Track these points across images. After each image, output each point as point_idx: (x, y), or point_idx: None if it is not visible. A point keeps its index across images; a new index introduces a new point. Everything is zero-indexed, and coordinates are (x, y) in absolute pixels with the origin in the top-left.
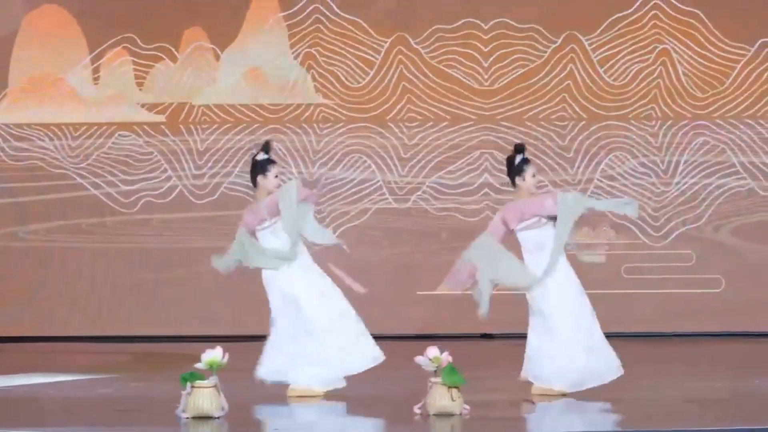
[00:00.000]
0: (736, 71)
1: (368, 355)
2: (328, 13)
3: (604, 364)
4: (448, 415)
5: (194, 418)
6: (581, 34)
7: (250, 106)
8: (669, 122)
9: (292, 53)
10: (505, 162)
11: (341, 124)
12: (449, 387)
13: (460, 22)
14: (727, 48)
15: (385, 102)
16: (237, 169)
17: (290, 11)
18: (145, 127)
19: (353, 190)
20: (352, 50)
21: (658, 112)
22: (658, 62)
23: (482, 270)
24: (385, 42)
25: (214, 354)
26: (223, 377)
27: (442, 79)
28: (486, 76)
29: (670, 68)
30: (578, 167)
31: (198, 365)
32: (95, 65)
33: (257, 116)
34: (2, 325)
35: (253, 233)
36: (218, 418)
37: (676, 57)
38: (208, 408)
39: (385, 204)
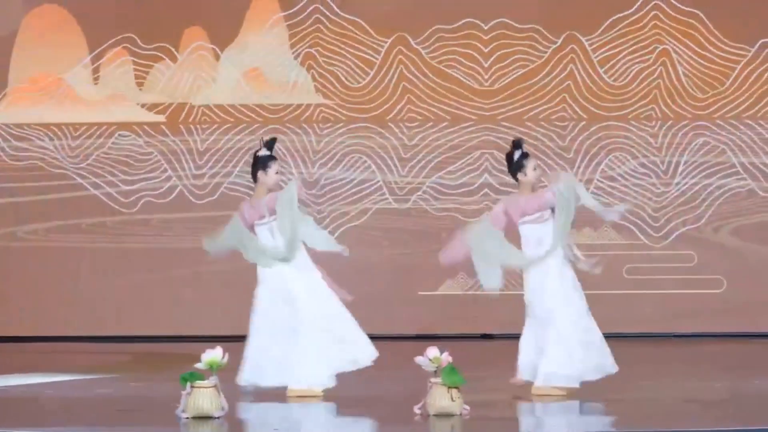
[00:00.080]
0: (736, 72)
1: (365, 353)
2: (328, 13)
3: (601, 360)
4: (448, 415)
5: (194, 418)
6: (581, 34)
7: (250, 106)
8: (669, 123)
9: (292, 53)
10: (505, 160)
11: (341, 124)
12: (449, 387)
13: (460, 22)
14: (728, 48)
15: (386, 102)
16: (237, 169)
17: (290, 11)
18: (145, 127)
19: (353, 190)
20: (352, 50)
21: (659, 112)
22: (659, 63)
23: (475, 252)
24: (386, 42)
25: (214, 354)
26: (223, 377)
27: (442, 79)
28: (486, 77)
29: (671, 69)
30: (578, 167)
31: (198, 365)
32: (95, 65)
33: (257, 116)
34: (2, 325)
35: (251, 227)
36: (218, 418)
37: (677, 57)
38: (208, 408)
39: (385, 204)
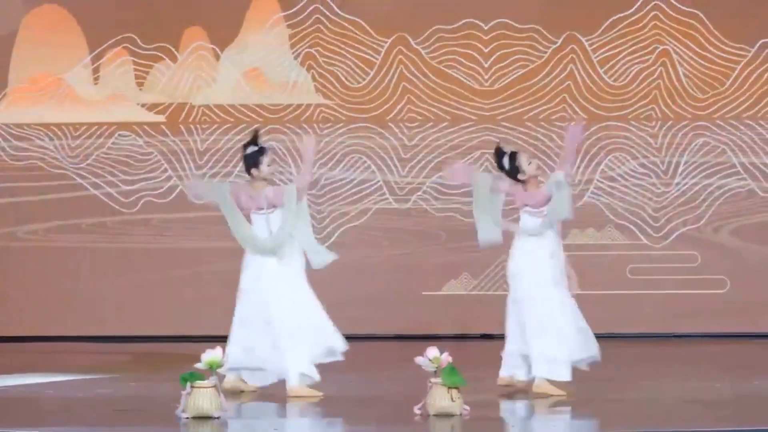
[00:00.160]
0: (736, 72)
1: (337, 342)
2: (328, 13)
3: (587, 343)
4: (448, 415)
5: (194, 418)
6: (581, 34)
7: (250, 106)
8: (669, 123)
9: (293, 53)
10: (499, 169)
11: (341, 124)
12: (449, 387)
13: (460, 23)
14: (728, 49)
15: (386, 102)
16: (237, 169)
17: (290, 11)
18: (145, 127)
19: (353, 190)
20: (352, 50)
21: (659, 112)
22: (659, 63)
23: (476, 192)
24: (386, 42)
25: (214, 354)
26: (223, 377)
27: (442, 79)
28: (486, 77)
29: (671, 69)
30: (578, 168)
31: (198, 365)
32: (95, 65)
33: (257, 116)
34: (2, 325)
35: (247, 215)
36: (218, 418)
37: (677, 58)
38: (208, 408)
39: (385, 204)
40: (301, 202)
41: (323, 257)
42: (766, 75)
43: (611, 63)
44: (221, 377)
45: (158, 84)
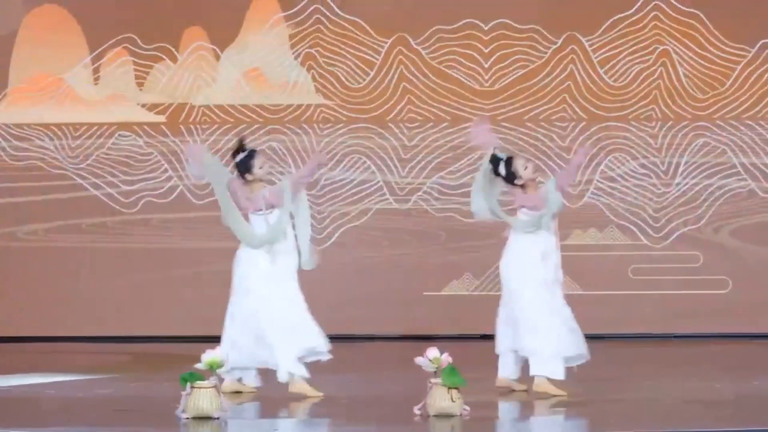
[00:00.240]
0: (736, 72)
1: (321, 343)
2: (328, 13)
3: (579, 343)
4: (448, 416)
5: (194, 418)
6: (582, 34)
7: (250, 107)
8: (669, 123)
9: (293, 53)
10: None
11: (341, 124)
12: (449, 388)
13: (460, 23)
14: (728, 49)
15: (386, 102)
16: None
17: (290, 11)
18: (146, 127)
19: (354, 190)
20: (352, 51)
21: (659, 113)
22: (659, 63)
23: (483, 166)
24: (386, 42)
25: (214, 354)
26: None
27: (442, 79)
28: (486, 77)
29: (671, 69)
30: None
31: (198, 365)
32: (95, 65)
33: (257, 116)
34: (2, 325)
35: (245, 215)
36: (218, 418)
37: (677, 58)
38: (208, 408)
39: (385, 204)
40: (301, 198)
41: (310, 259)
42: (766, 75)
43: (611, 63)
44: (221, 378)
45: (158, 84)
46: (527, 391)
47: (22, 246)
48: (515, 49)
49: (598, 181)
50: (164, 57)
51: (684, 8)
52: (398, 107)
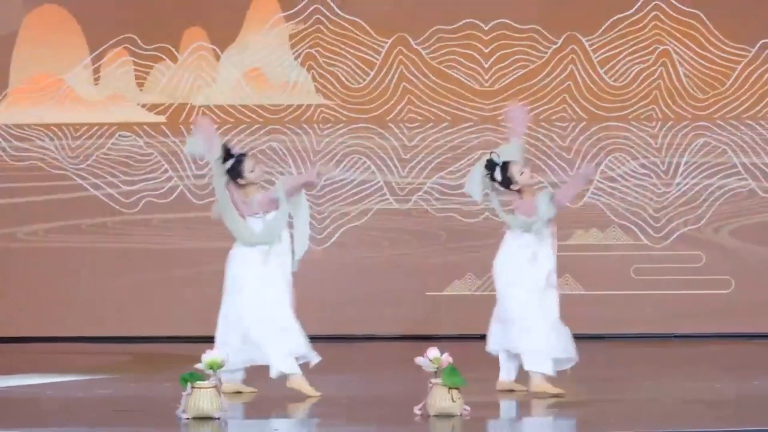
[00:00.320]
0: (736, 72)
1: (309, 350)
2: (328, 13)
3: (569, 346)
4: (449, 416)
5: (194, 418)
6: (582, 34)
7: (250, 107)
8: (669, 123)
9: (293, 54)
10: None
11: (341, 124)
12: (450, 388)
13: (460, 23)
14: (728, 49)
15: (386, 102)
16: None
17: (291, 11)
18: (146, 127)
19: (354, 190)
20: (352, 51)
21: (659, 113)
22: (659, 63)
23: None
24: (386, 42)
25: (215, 354)
26: None
27: (442, 79)
28: (486, 77)
29: (671, 69)
30: (579, 168)
31: (198, 366)
32: (96, 65)
33: (257, 117)
34: (2, 325)
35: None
36: (218, 418)
37: (677, 58)
38: (209, 409)
39: (386, 204)
40: (301, 200)
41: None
42: (766, 75)
43: (611, 63)
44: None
45: (158, 84)
46: (527, 391)
47: (23, 246)
48: (515, 49)
49: (598, 181)
50: (164, 57)
51: (684, 8)
52: (398, 107)
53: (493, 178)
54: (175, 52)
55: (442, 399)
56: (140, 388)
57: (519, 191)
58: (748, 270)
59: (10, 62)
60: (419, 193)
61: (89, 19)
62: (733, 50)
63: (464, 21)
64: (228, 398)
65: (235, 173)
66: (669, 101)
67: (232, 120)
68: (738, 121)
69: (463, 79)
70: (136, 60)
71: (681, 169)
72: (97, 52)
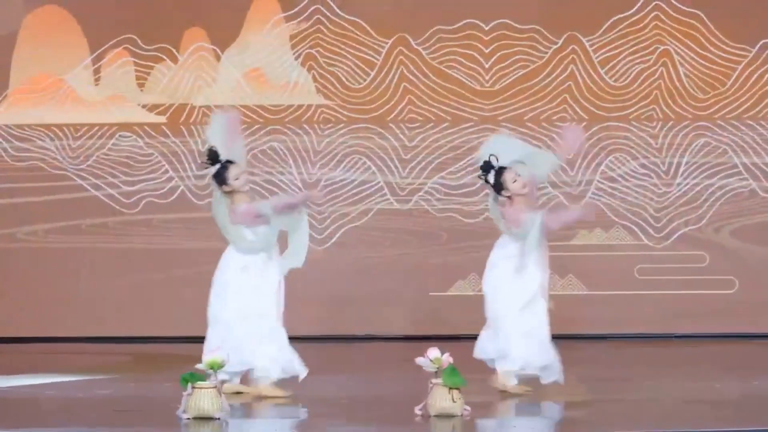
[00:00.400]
0: (737, 72)
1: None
2: (328, 13)
3: (548, 360)
4: (449, 416)
5: (195, 418)
6: (582, 35)
7: (250, 107)
8: (670, 123)
9: (293, 54)
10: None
11: (342, 124)
12: (450, 388)
13: (460, 23)
14: (729, 49)
15: (386, 103)
16: None
17: (291, 12)
18: (146, 127)
19: (354, 191)
20: (352, 51)
21: (659, 113)
22: (659, 63)
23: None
24: (386, 43)
25: (215, 355)
26: None
27: (442, 80)
28: (487, 77)
29: (671, 69)
30: (579, 168)
31: (199, 366)
32: (96, 66)
33: (258, 117)
34: (2, 325)
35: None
36: (219, 419)
37: (677, 58)
38: (209, 409)
39: (386, 205)
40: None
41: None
42: (767, 75)
43: (612, 63)
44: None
45: (159, 85)
46: (528, 391)
47: (23, 246)
48: (516, 49)
49: (598, 181)
50: (165, 57)
51: (685, 8)
52: (399, 107)
53: (486, 180)
54: (176, 53)
55: (442, 399)
56: (140, 388)
57: (510, 198)
58: (748, 270)
59: (11, 62)
60: (420, 194)
61: (90, 20)
62: (733, 50)
63: (464, 21)
64: (229, 398)
65: (220, 179)
66: (669, 101)
67: None
68: (738, 122)
69: (463, 80)
70: (136, 60)
71: (681, 169)
72: (98, 52)
